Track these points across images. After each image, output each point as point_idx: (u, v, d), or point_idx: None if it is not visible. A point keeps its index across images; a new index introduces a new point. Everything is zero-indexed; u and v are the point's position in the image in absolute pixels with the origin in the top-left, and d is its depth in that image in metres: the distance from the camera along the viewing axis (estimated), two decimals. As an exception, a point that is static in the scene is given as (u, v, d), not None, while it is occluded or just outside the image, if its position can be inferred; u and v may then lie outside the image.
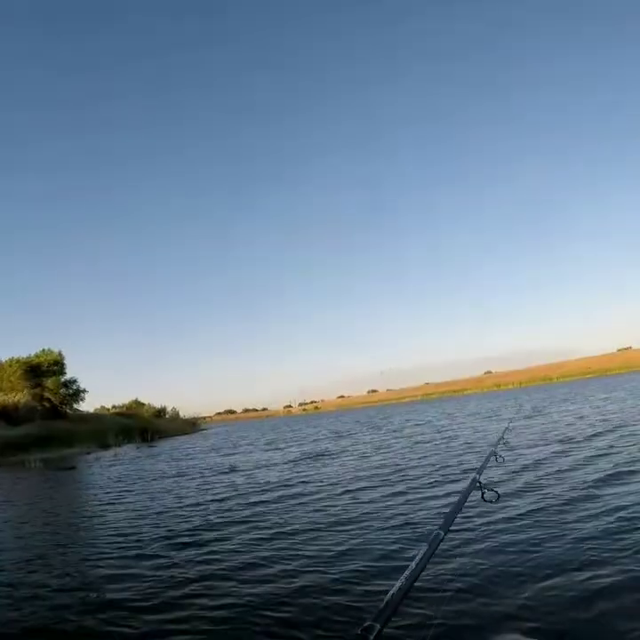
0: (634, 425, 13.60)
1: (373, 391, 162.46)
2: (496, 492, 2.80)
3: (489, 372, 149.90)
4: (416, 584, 1.62)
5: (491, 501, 2.82)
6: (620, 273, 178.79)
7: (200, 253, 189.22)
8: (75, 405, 44.45)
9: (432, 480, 9.07)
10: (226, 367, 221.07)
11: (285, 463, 15.39)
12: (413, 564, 1.70)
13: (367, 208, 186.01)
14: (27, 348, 77.23)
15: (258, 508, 8.45)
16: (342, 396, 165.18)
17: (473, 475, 2.94)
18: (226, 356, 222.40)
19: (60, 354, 43.10)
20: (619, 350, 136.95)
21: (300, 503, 8.56)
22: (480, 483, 2.84)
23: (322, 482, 10.66)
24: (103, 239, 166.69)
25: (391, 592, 1.51)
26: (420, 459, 12.39)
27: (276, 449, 22.35)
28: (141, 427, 42.63)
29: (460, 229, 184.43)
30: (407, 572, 1.66)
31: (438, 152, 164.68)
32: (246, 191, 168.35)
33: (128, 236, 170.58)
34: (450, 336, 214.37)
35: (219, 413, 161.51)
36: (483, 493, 2.80)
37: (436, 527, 1.98)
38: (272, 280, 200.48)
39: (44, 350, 43.38)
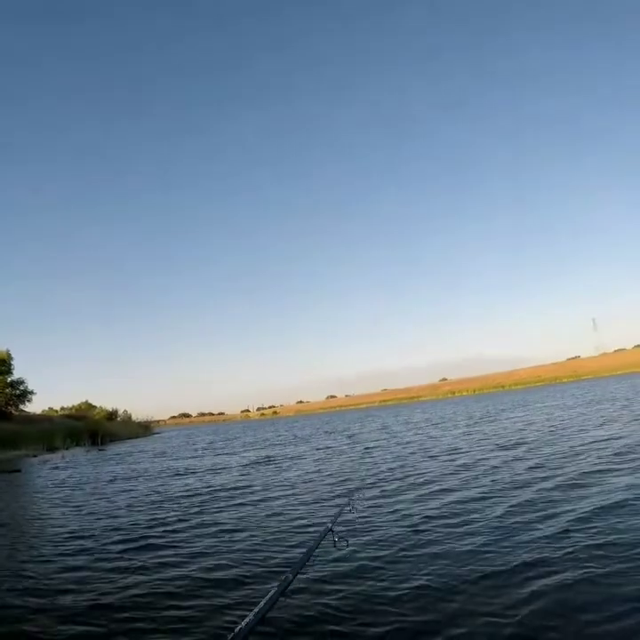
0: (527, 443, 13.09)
1: (332, 397, 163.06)
2: (346, 540, 3.24)
3: (444, 380, 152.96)
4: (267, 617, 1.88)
5: (341, 549, 3.23)
6: (572, 288, 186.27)
7: (156, 251, 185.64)
8: (21, 406, 42.75)
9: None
10: (182, 370, 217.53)
11: (234, 467, 15.42)
12: (262, 603, 1.90)
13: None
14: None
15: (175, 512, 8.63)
16: (301, 402, 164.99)
17: (327, 523, 3.23)
18: (182, 359, 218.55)
19: (7, 353, 41.37)
20: (568, 359, 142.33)
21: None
22: (332, 531, 3.12)
23: (250, 487, 10.88)
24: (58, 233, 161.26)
25: (239, 627, 1.71)
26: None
27: (231, 454, 22.19)
28: (91, 429, 41.39)
29: (426, 239, 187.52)
30: (255, 609, 1.84)
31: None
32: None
33: (79, 228, 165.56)
34: (408, 343, 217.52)
35: (173, 417, 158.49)
36: (334, 541, 3.13)
37: (287, 570, 2.26)
38: (230, 282, 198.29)
39: (-11, 349, 41.51)
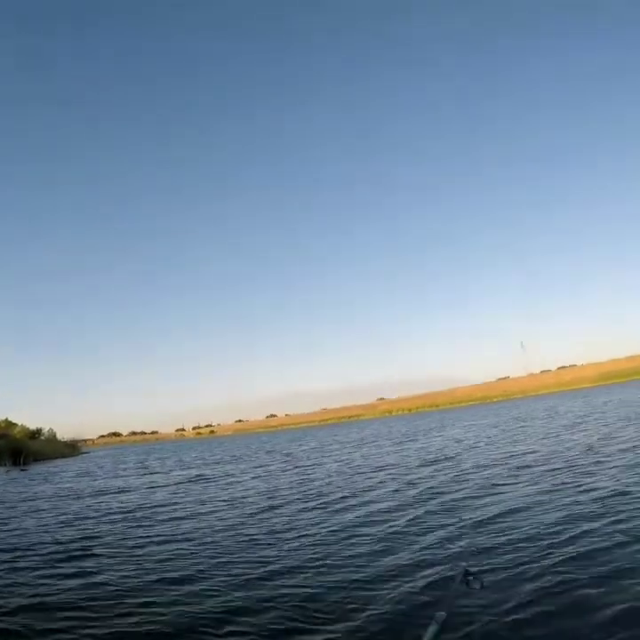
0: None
1: (272, 416, 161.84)
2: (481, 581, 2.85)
3: (382, 399, 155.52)
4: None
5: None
6: (503, 310, 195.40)
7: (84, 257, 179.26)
8: None
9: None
10: (111, 385, 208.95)
11: (164, 486, 15.19)
12: None
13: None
14: None
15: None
16: (240, 420, 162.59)
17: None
18: (111, 374, 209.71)
19: None
20: (498, 379, 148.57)
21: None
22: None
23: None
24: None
25: None
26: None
27: (154, 473, 21.71)
28: (12, 448, 39.13)
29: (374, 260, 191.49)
30: None
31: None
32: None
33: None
34: (346, 361, 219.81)
35: (102, 436, 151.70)
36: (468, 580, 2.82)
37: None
38: (164, 295, 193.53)
39: None
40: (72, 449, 59.90)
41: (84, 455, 59.16)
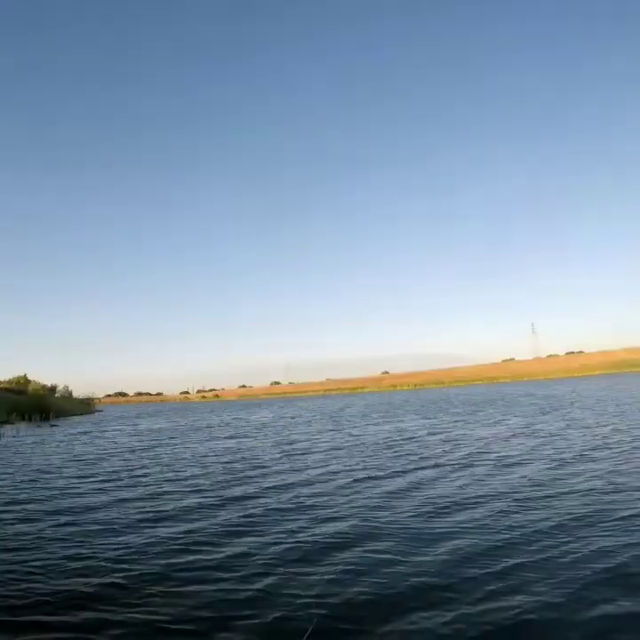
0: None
1: (276, 383, 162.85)
2: None
3: (386, 373, 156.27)
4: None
5: None
6: (508, 293, 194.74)
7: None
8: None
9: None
10: (117, 347, 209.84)
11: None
12: None
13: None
14: None
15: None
16: (244, 386, 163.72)
17: None
18: (117, 335, 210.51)
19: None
20: (503, 361, 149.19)
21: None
22: None
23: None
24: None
25: None
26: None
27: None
28: (37, 404, 39.15)
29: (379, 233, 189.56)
30: None
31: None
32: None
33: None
34: (353, 333, 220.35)
35: (108, 395, 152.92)
36: None
37: None
38: (168, 260, 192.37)
39: None
40: (87, 406, 60.25)
41: (99, 413, 59.46)
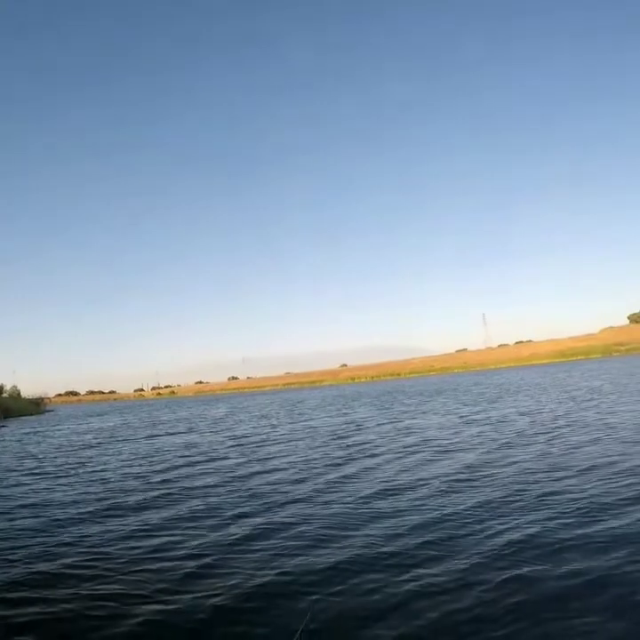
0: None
1: (234, 378, 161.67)
2: None
3: (345, 366, 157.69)
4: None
5: None
6: (458, 282, 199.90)
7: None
8: None
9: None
10: (65, 342, 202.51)
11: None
12: None
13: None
14: None
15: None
16: (200, 382, 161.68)
17: None
18: (65, 329, 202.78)
19: None
20: (457, 351, 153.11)
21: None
22: None
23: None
24: None
25: None
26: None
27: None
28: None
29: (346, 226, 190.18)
30: None
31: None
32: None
33: None
34: (312, 326, 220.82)
35: (59, 395, 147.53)
36: None
37: None
38: (124, 255, 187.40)
39: None
40: (36, 406, 58.36)
41: (50, 413, 57.68)
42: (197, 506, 7.34)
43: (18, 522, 7.13)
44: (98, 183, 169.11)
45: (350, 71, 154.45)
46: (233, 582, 4.53)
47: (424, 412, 20.44)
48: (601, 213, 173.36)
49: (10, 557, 5.55)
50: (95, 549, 5.65)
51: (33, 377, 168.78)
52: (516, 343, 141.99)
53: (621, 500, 6.04)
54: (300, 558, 4.98)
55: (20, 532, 6.57)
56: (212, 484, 8.95)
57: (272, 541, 5.54)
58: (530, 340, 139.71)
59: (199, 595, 4.31)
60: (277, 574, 4.61)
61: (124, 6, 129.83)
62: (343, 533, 5.63)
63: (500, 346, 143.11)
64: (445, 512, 6.11)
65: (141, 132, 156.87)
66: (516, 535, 5.16)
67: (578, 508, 5.83)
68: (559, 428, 12.55)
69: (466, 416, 17.41)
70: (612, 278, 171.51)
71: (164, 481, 9.59)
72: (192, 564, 5.02)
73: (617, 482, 6.84)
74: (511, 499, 6.48)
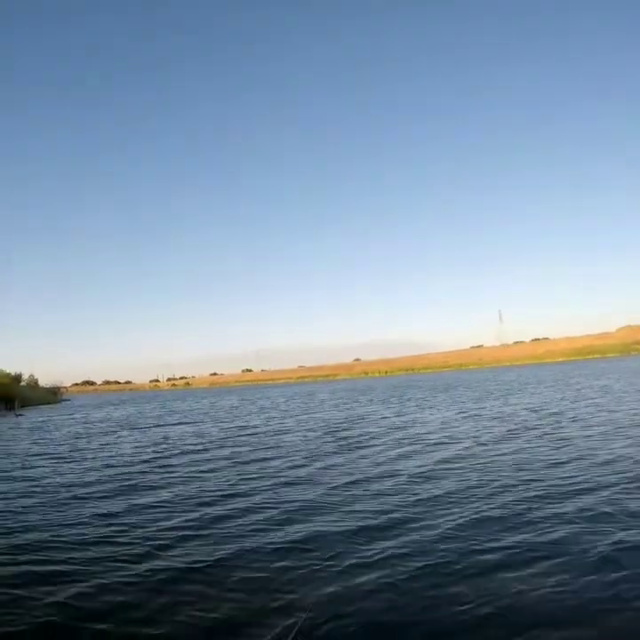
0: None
1: (248, 370, 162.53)
2: None
3: (358, 360, 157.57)
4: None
5: None
6: (474, 279, 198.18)
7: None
8: None
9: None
10: (84, 333, 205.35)
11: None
12: None
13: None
14: None
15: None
16: (215, 374, 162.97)
17: None
18: (85, 321, 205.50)
19: None
20: (471, 347, 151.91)
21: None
22: None
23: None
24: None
25: None
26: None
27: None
28: (5, 393, 38.57)
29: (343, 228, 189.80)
30: None
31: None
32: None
33: None
34: (326, 320, 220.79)
35: (76, 384, 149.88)
36: None
37: None
38: (143, 245, 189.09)
39: None
40: (54, 396, 59.54)
41: (66, 402, 58.77)
42: (182, 491, 7.83)
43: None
44: (98, 180, 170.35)
45: (350, 71, 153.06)
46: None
47: (429, 408, 20.63)
48: (621, 211, 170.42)
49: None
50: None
51: (49, 366, 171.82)
52: (532, 340, 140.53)
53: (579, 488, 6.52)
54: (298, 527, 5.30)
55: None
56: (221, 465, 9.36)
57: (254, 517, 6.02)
58: (546, 338, 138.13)
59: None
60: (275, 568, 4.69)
61: (124, 6, 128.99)
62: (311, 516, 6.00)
63: (515, 343, 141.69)
64: (416, 498, 6.58)
65: (141, 131, 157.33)
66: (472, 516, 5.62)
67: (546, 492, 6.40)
68: (557, 422, 12.81)
69: (469, 411, 17.61)
70: (630, 277, 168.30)
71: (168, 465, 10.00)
72: (171, 539, 5.49)
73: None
74: (481, 488, 6.83)
